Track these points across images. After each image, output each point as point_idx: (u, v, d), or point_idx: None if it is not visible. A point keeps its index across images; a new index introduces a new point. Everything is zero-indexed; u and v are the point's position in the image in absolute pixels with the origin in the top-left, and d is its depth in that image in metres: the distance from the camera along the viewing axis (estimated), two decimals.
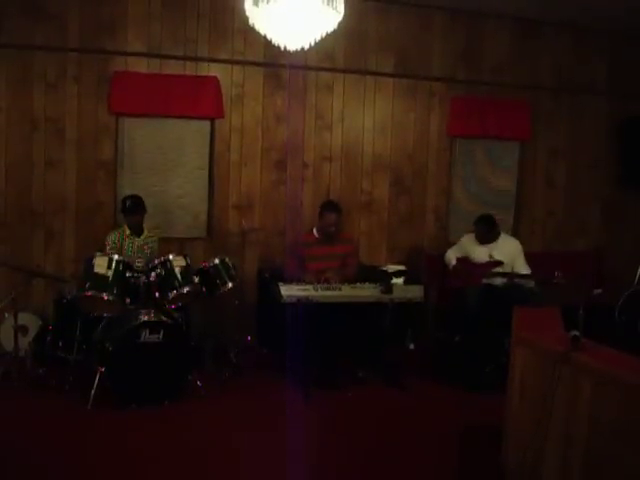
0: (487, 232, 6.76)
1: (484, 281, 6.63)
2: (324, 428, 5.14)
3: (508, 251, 6.74)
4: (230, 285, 6.11)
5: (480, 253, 6.76)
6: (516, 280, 6.57)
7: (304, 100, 7.37)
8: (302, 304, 5.69)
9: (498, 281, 6.62)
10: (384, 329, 6.18)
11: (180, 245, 6.77)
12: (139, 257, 6.10)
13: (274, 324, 6.18)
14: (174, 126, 7.05)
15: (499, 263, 6.64)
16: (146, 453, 4.61)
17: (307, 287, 5.81)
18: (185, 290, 5.71)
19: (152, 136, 6.99)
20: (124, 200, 6.26)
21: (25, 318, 6.08)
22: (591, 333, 3.92)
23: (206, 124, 7.16)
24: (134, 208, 6.19)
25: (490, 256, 6.70)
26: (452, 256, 6.95)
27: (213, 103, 7.02)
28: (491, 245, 6.77)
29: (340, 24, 4.07)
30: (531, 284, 6.47)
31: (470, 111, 7.90)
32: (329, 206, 6.47)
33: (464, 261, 6.86)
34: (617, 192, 8.58)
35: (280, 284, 5.80)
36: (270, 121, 7.30)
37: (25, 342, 5.96)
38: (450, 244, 7.25)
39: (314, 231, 6.50)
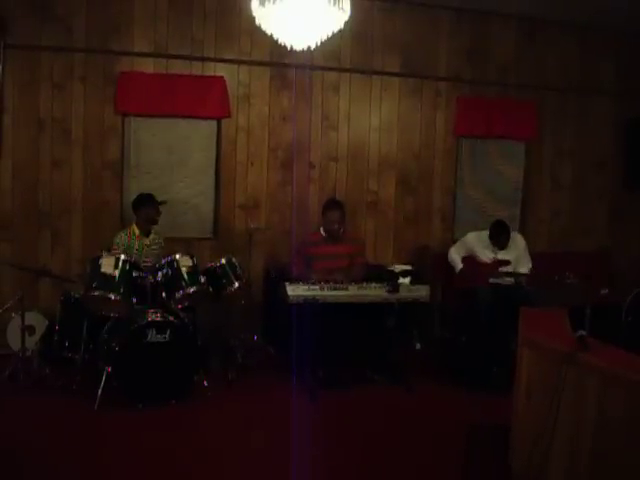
0: (506, 241, 6.78)
1: (491, 281, 6.62)
2: (330, 428, 5.14)
3: (515, 247, 6.77)
4: (237, 285, 6.12)
5: (486, 253, 6.76)
6: (520, 279, 6.58)
7: (310, 100, 7.37)
8: (309, 304, 5.69)
9: (506, 281, 6.62)
10: (390, 329, 6.17)
11: (187, 245, 6.78)
12: (147, 257, 6.13)
13: (281, 324, 6.19)
14: (180, 126, 7.06)
15: (506, 262, 6.64)
16: (152, 453, 4.61)
17: (314, 287, 5.81)
18: (192, 290, 5.71)
19: (158, 136, 7.01)
20: (142, 195, 6.31)
21: (32, 318, 6.10)
22: (598, 333, 3.91)
23: (212, 124, 7.17)
24: (148, 198, 6.23)
25: (494, 252, 6.72)
26: (456, 256, 6.94)
27: (219, 103, 7.03)
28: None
29: (346, 24, 4.06)
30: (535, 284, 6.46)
31: (476, 111, 7.88)
32: (331, 204, 6.50)
33: (470, 262, 6.85)
34: (623, 192, 8.55)
35: (287, 284, 5.81)
36: (276, 121, 7.30)
37: (32, 342, 5.97)
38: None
39: (321, 230, 6.50)
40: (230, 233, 7.20)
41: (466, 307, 6.75)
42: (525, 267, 6.74)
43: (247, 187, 7.27)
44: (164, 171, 7.06)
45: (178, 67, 6.92)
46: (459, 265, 6.89)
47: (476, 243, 6.89)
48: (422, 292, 6.03)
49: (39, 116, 6.58)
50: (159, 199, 6.31)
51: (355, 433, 5.11)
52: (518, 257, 6.76)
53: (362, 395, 5.88)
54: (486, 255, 6.78)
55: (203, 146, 7.18)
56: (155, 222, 6.30)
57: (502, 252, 6.75)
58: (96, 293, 5.42)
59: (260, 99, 7.24)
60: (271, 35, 4.12)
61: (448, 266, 7.04)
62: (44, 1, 6.48)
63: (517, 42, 8.02)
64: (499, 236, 6.76)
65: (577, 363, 3.63)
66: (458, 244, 7.09)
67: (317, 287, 5.81)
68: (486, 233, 6.86)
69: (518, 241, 6.89)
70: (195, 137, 7.15)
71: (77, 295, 5.76)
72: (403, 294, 5.96)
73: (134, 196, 6.41)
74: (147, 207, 6.22)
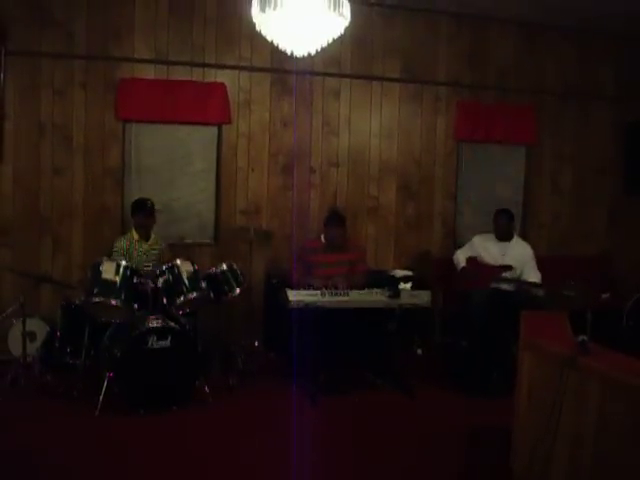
0: (507, 225, 6.80)
1: (492, 285, 6.61)
2: (331, 433, 5.14)
3: (520, 254, 6.73)
4: (238, 291, 6.12)
5: (492, 253, 6.75)
6: (524, 288, 6.55)
7: (311, 105, 7.38)
8: (310, 309, 5.69)
9: (506, 285, 6.61)
10: (391, 334, 6.17)
11: (188, 251, 6.78)
12: (147, 262, 6.14)
13: (282, 329, 6.18)
14: (181, 132, 7.08)
15: (509, 268, 6.62)
16: (154, 459, 4.61)
17: (314, 292, 5.80)
18: (192, 296, 5.70)
19: (159, 142, 7.02)
20: (135, 201, 6.33)
21: (33, 324, 6.10)
22: (599, 337, 3.91)
23: (213, 130, 7.18)
24: (140, 204, 6.25)
25: (500, 249, 6.70)
26: (462, 257, 6.92)
27: (220, 109, 7.05)
28: (504, 244, 6.76)
29: (346, 30, 4.07)
30: (539, 292, 6.43)
31: (476, 116, 7.90)
32: (332, 220, 6.45)
33: (473, 262, 6.83)
34: (623, 196, 8.56)
35: (288, 289, 5.81)
36: (277, 127, 7.31)
37: (33, 348, 5.97)
38: (458, 248, 7.23)
39: (322, 237, 6.49)
40: (231, 239, 7.20)
41: (463, 310, 6.74)
42: (535, 278, 6.67)
43: (248, 192, 7.28)
44: (165, 177, 7.07)
45: (179, 73, 6.94)
46: (461, 264, 6.88)
47: (483, 243, 6.86)
48: (423, 297, 6.03)
49: (40, 122, 6.59)
50: (158, 206, 6.32)
51: (356, 438, 5.10)
52: (523, 263, 6.71)
53: (363, 400, 5.87)
54: (492, 255, 6.74)
55: (204, 152, 7.19)
56: (147, 227, 6.30)
57: (508, 254, 6.70)
58: (97, 299, 5.41)
59: (261, 105, 7.25)
60: (271, 41, 4.13)
61: (449, 271, 7.03)
62: (44, 8, 6.50)
63: (516, 47, 8.04)
64: (498, 216, 6.82)
65: (578, 367, 3.63)
66: (465, 246, 7.06)
67: (318, 292, 5.81)
68: (493, 234, 6.86)
69: (527, 249, 6.83)
70: (196, 143, 7.16)
71: (78, 301, 5.76)
72: (404, 299, 5.95)
73: (132, 202, 6.42)
74: (139, 213, 6.24)
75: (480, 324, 6.35)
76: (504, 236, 6.80)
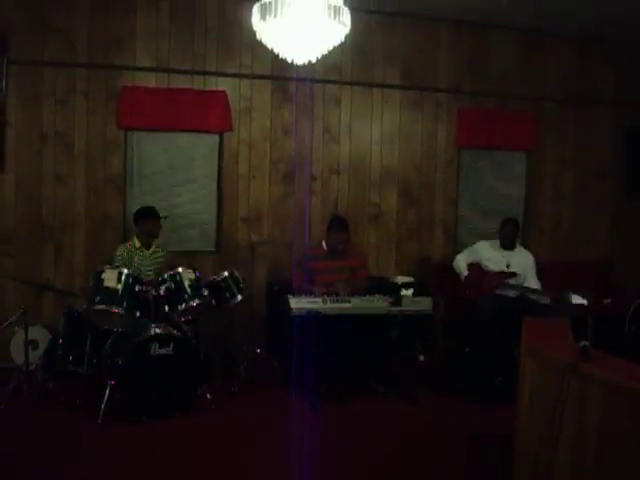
0: (513, 234, 6.83)
1: (497, 291, 6.60)
2: (333, 441, 5.13)
3: (523, 263, 6.74)
4: (239, 298, 6.13)
5: (496, 261, 6.74)
6: (528, 295, 6.55)
7: (312, 113, 7.40)
8: (311, 316, 5.69)
9: (510, 292, 6.60)
10: (393, 341, 6.16)
11: (189, 258, 6.78)
12: (149, 270, 6.15)
13: (283, 337, 6.18)
14: (183, 140, 7.10)
15: (513, 274, 6.61)
16: (156, 466, 4.61)
17: (316, 299, 5.81)
18: (194, 303, 5.71)
19: (161, 150, 7.04)
20: (141, 208, 6.36)
21: (35, 332, 6.11)
22: (600, 343, 3.91)
23: (214, 138, 7.20)
24: (148, 211, 6.26)
25: (507, 266, 6.69)
26: (462, 263, 6.89)
27: (221, 117, 7.06)
28: (509, 253, 6.77)
29: (347, 37, 4.08)
30: (544, 300, 6.42)
31: (477, 122, 7.91)
32: (336, 225, 6.48)
33: (476, 270, 6.83)
34: (625, 201, 8.56)
35: (289, 296, 5.81)
36: (278, 134, 7.33)
37: (35, 356, 5.97)
38: (459, 254, 7.22)
39: (323, 244, 6.50)
40: (233, 246, 7.21)
41: (468, 316, 6.72)
42: (535, 286, 6.68)
43: (249, 200, 7.29)
44: (166, 185, 7.09)
45: (180, 81, 6.96)
46: (464, 272, 6.86)
47: (485, 250, 6.85)
48: (425, 304, 6.03)
49: (42, 131, 6.62)
50: (161, 213, 6.32)
51: (357, 446, 5.09)
52: (526, 271, 6.71)
53: (365, 408, 5.87)
54: (495, 264, 6.74)
55: (205, 160, 7.21)
56: (155, 235, 6.30)
57: (512, 262, 6.70)
58: (99, 307, 5.41)
59: (262, 113, 7.27)
60: (272, 49, 4.15)
61: (451, 277, 7.01)
62: (46, 16, 6.53)
63: (516, 53, 8.05)
64: (505, 225, 6.85)
65: (580, 373, 3.63)
66: (466, 251, 7.04)
67: (320, 299, 5.82)
68: (498, 241, 6.86)
69: (529, 258, 6.84)
70: (197, 151, 7.18)
71: (80, 309, 5.76)
72: (406, 306, 5.96)
73: (136, 210, 6.43)
74: (147, 220, 6.24)
75: (487, 330, 6.35)
76: (509, 245, 6.81)
